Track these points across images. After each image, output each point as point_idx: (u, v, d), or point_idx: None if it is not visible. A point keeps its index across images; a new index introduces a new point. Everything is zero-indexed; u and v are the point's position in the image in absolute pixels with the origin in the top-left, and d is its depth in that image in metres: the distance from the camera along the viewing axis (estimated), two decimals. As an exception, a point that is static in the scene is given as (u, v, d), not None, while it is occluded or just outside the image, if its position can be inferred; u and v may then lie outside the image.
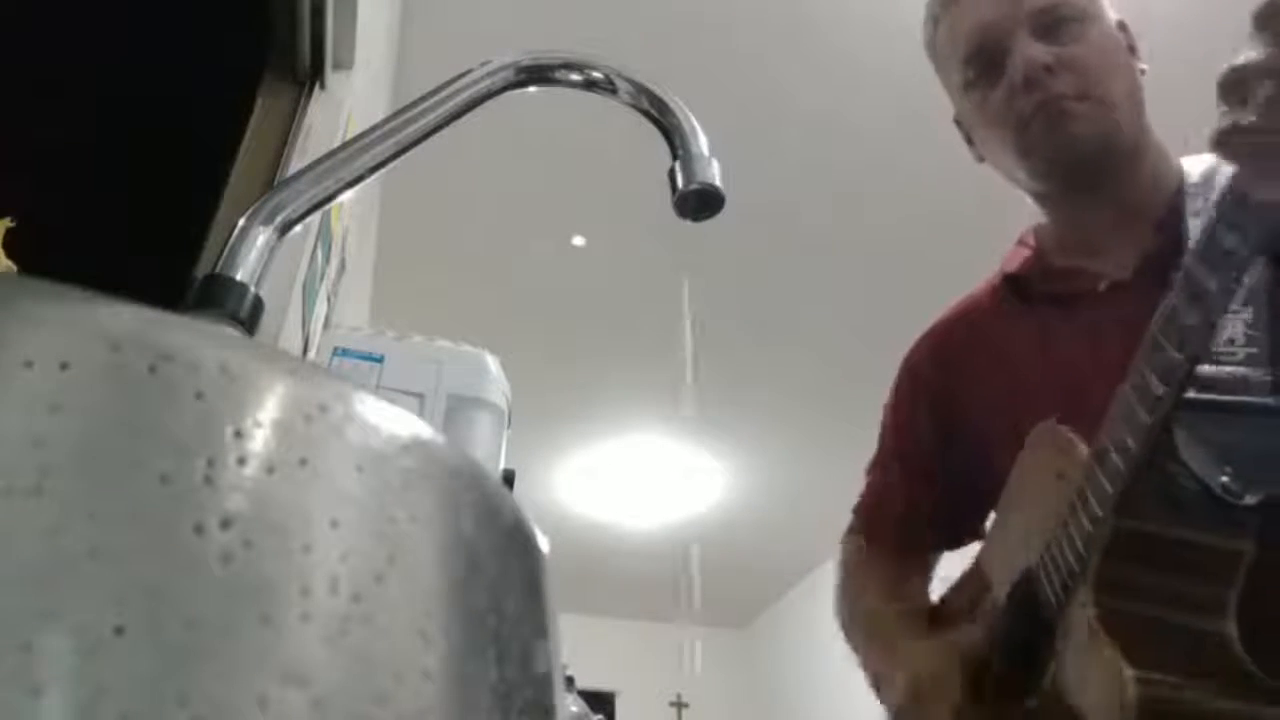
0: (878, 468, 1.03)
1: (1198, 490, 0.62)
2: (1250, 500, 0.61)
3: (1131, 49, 0.85)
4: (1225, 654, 0.60)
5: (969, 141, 0.93)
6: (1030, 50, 0.80)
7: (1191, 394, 0.61)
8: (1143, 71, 0.85)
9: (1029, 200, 0.90)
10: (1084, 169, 0.81)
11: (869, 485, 1.04)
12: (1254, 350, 0.66)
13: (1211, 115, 0.56)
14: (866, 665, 0.93)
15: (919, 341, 0.99)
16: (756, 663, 6.52)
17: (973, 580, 0.87)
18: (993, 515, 0.87)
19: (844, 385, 4.06)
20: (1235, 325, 0.67)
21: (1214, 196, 0.78)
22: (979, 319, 0.93)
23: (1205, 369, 0.64)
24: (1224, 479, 0.61)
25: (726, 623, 6.80)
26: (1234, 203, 0.55)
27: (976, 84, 0.85)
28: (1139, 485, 0.62)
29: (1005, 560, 0.80)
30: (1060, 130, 0.79)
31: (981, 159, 0.92)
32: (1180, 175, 0.82)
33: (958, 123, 0.94)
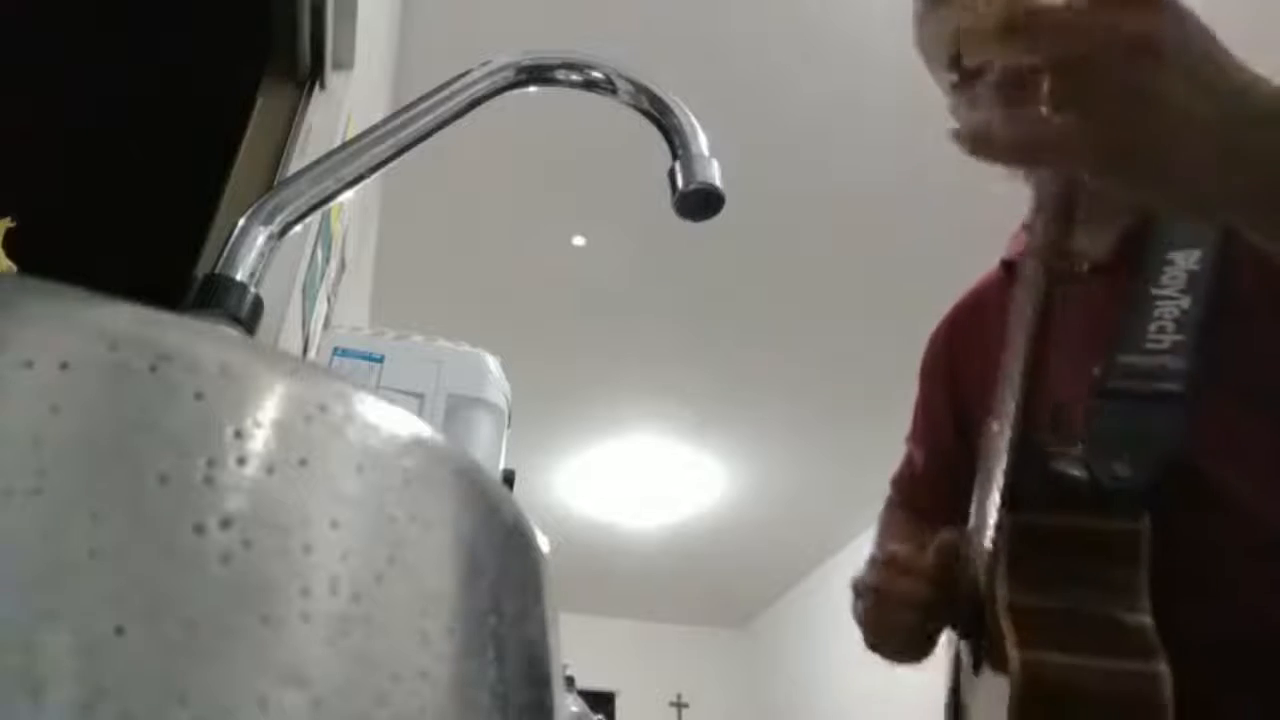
0: (911, 441, 1.07)
1: (1087, 479, 0.64)
2: (1141, 484, 0.62)
3: None
4: (1127, 632, 0.61)
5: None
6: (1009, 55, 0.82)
7: (1110, 383, 0.63)
8: None
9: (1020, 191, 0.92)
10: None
11: (905, 458, 1.07)
12: (1180, 338, 0.66)
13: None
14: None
15: (937, 329, 1.03)
16: (756, 663, 6.52)
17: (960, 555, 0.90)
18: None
19: (844, 386, 4.07)
20: (1169, 312, 0.67)
21: None
22: (984, 300, 0.96)
23: (1128, 358, 0.66)
24: (1117, 466, 0.63)
25: (726, 623, 6.81)
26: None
27: (962, 85, 0.87)
28: (1026, 478, 0.64)
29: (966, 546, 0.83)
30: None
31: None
32: None
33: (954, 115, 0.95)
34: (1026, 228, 0.94)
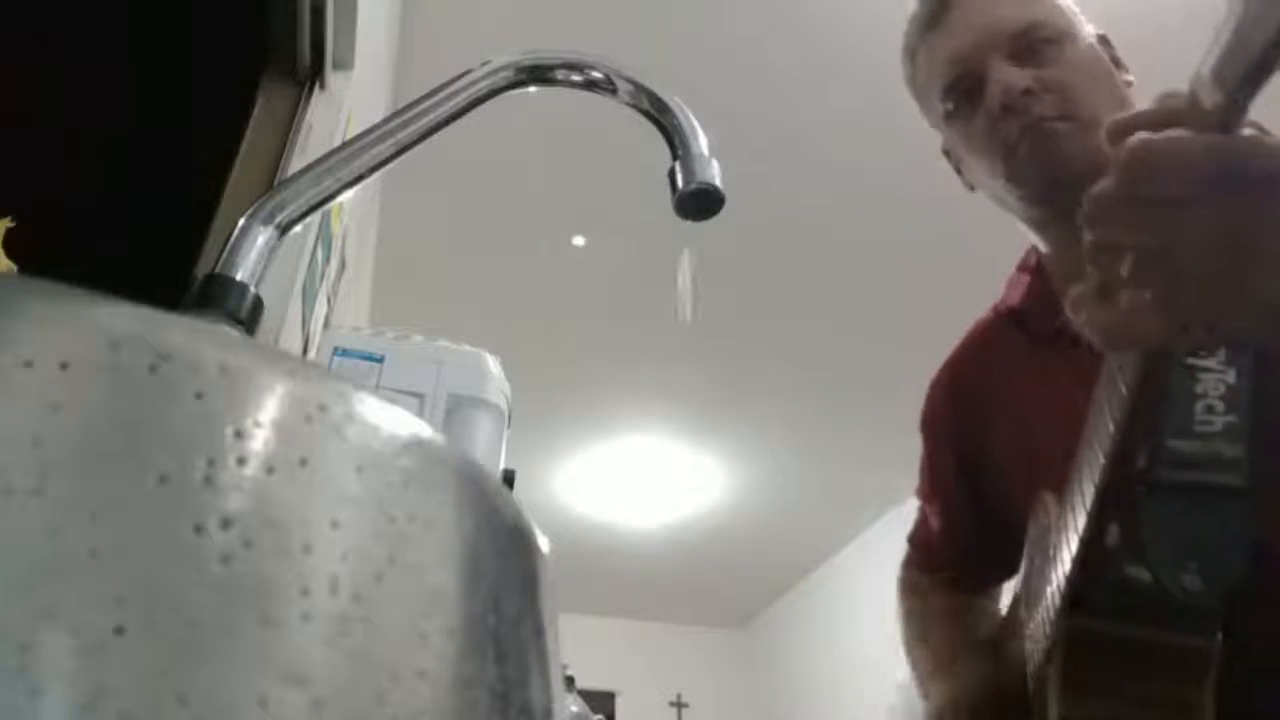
0: (923, 498, 1.01)
1: (1155, 587, 0.57)
2: (1213, 602, 0.56)
3: (1115, 61, 0.83)
4: None
5: (958, 171, 0.91)
6: (1007, 75, 0.78)
7: (1159, 472, 0.55)
8: (1129, 83, 0.83)
9: (1024, 229, 0.88)
10: (1075, 192, 0.80)
11: (919, 517, 1.02)
12: (1232, 419, 0.58)
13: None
14: (922, 684, 0.92)
15: (938, 374, 0.97)
16: (756, 663, 6.52)
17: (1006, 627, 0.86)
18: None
19: (844, 386, 4.07)
20: (1216, 388, 0.58)
21: None
22: (989, 354, 0.91)
23: (1178, 443, 0.57)
24: (1186, 578, 0.56)
25: (726, 622, 6.81)
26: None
27: (957, 115, 0.84)
28: (1091, 582, 0.58)
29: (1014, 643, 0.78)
30: (1047, 152, 0.77)
31: (972, 188, 0.90)
32: None
33: (946, 153, 0.92)
34: (1025, 267, 0.89)
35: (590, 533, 5.39)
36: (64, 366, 0.20)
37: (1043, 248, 0.87)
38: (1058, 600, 0.61)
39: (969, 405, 0.92)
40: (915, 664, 0.94)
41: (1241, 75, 0.38)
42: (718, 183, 0.51)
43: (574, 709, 1.30)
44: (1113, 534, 0.58)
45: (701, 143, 0.52)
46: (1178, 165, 0.42)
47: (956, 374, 0.95)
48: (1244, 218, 0.42)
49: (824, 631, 5.52)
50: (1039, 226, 0.85)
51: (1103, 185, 0.44)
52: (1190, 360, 0.57)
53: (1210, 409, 0.57)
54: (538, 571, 0.28)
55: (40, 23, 1.22)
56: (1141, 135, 0.43)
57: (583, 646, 4.07)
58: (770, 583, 6.16)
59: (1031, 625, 0.69)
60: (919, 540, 1.02)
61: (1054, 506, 0.69)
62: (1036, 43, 0.80)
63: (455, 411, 0.93)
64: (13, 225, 0.83)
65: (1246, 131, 0.43)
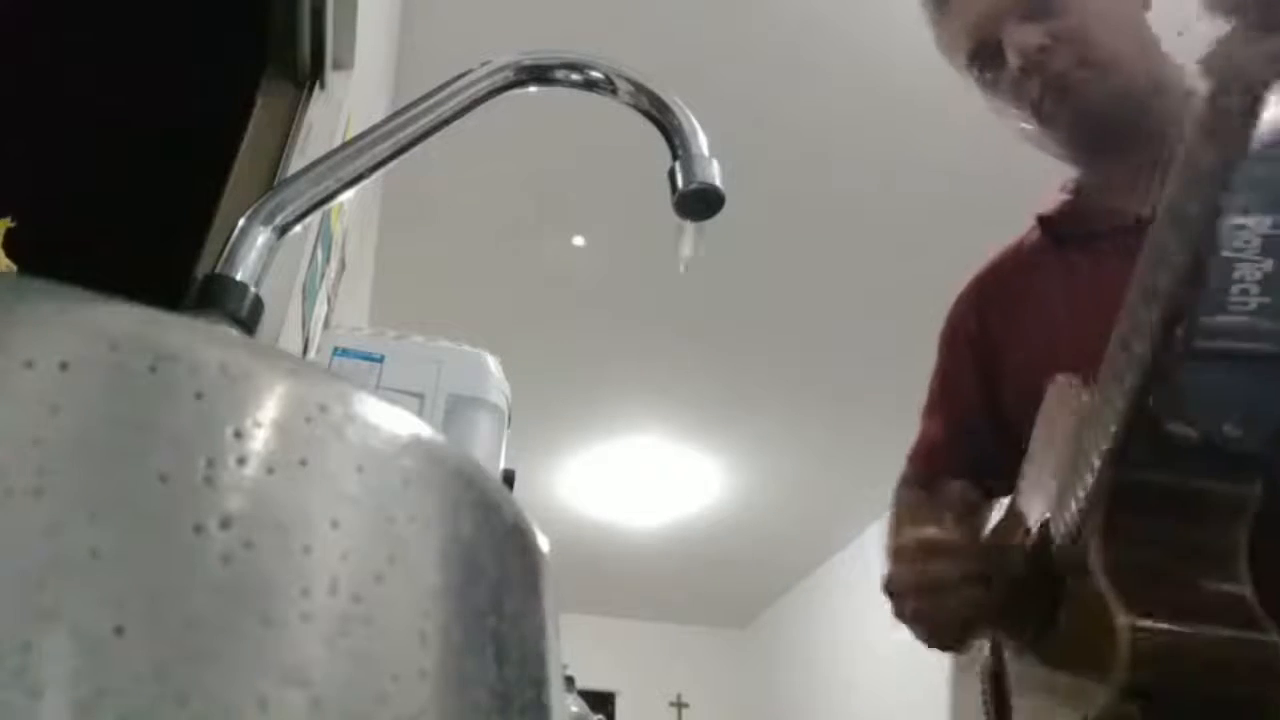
0: (928, 416, 1.03)
1: (1199, 439, 0.61)
2: (1254, 447, 0.60)
3: None
4: (1234, 600, 0.59)
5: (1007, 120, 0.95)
6: (1020, 35, 0.81)
7: (1199, 342, 0.60)
8: (1146, 4, 0.86)
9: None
10: (1106, 130, 0.83)
11: (921, 433, 1.04)
12: (1267, 300, 0.64)
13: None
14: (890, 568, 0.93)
15: (962, 293, 1.00)
16: (756, 663, 6.52)
17: (1005, 526, 0.87)
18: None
19: (844, 386, 4.07)
20: (1252, 274, 0.64)
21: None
22: (1015, 266, 0.94)
23: (1215, 318, 0.63)
24: (1227, 427, 0.61)
25: (726, 623, 6.80)
26: (1225, 48, 0.53)
27: (984, 80, 0.87)
28: (1136, 437, 0.61)
29: (1027, 511, 0.80)
30: (1070, 103, 0.81)
31: (1024, 137, 0.93)
32: None
33: (995, 113, 0.95)
34: (1064, 188, 0.93)
35: (590, 533, 5.39)
36: (64, 366, 0.20)
37: (1083, 178, 0.91)
38: (1097, 460, 0.63)
39: (993, 308, 0.95)
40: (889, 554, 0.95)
41: None
42: (718, 183, 0.51)
43: (574, 709, 1.30)
44: (1156, 397, 0.61)
45: (701, 143, 0.52)
46: None
47: (982, 282, 0.98)
48: None
49: (824, 631, 5.52)
50: (1075, 162, 0.90)
51: None
52: (1227, 253, 0.62)
53: (1245, 291, 0.63)
54: (538, 571, 0.28)
55: (40, 23, 1.22)
56: None
57: (583, 646, 4.07)
58: (770, 583, 6.16)
59: (1054, 493, 0.71)
60: (919, 455, 1.03)
61: (1077, 385, 0.72)
62: None
63: (455, 411, 0.94)
64: (13, 225, 0.83)
65: None
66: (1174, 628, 0.58)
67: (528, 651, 0.26)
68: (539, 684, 0.26)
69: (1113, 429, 0.62)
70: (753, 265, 3.43)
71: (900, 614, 0.80)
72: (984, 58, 0.86)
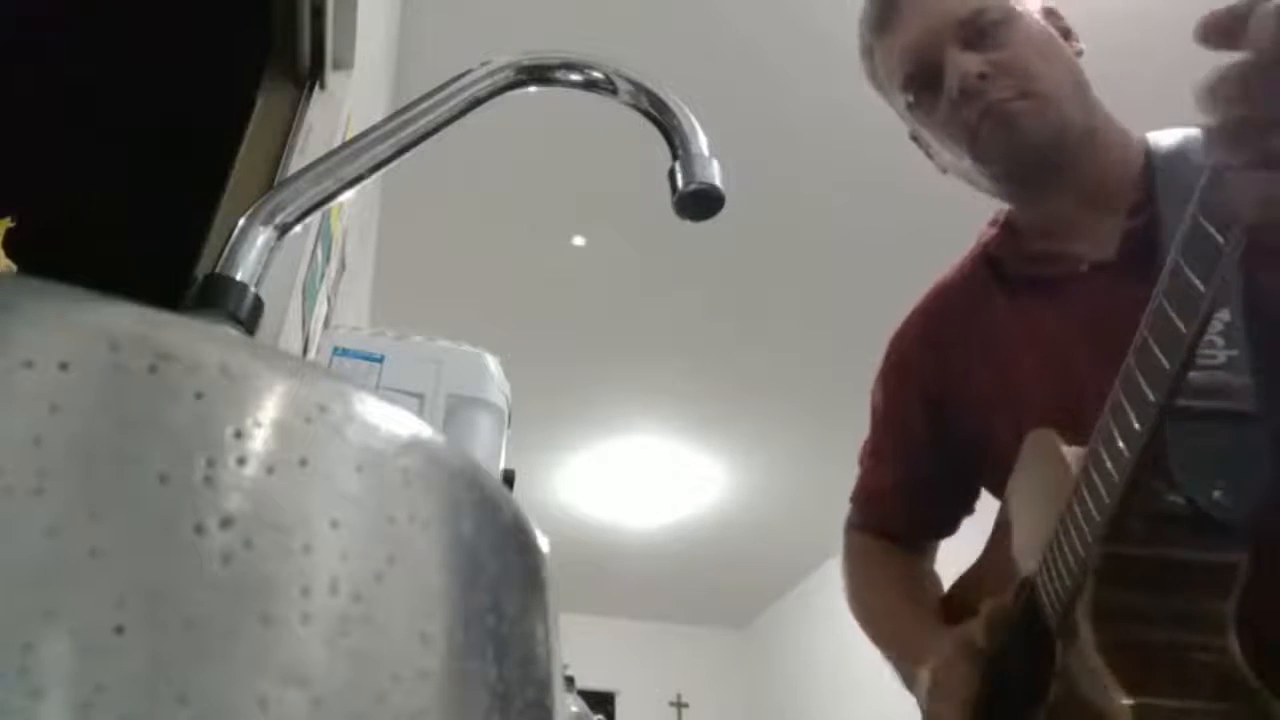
0: (871, 456, 1.02)
1: (1186, 507, 0.60)
2: (1242, 514, 0.59)
3: (1065, 32, 0.86)
4: (1228, 671, 0.59)
5: (929, 156, 0.94)
6: (961, 62, 0.81)
7: (1180, 401, 0.57)
8: (1079, 52, 0.85)
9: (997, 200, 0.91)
10: (1041, 165, 0.82)
11: (863, 473, 1.03)
12: (1233, 353, 0.62)
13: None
14: (893, 663, 0.92)
15: (904, 325, 0.99)
16: (756, 663, 6.52)
17: (980, 577, 0.86)
18: (996, 511, 0.86)
19: (844, 386, 4.06)
20: (1213, 325, 0.62)
21: (1190, 170, 0.78)
22: (961, 300, 0.92)
23: (1191, 375, 0.59)
24: (1216, 494, 0.59)
25: (726, 623, 6.80)
26: (1213, 182, 0.50)
27: (919, 105, 0.86)
28: (1131, 510, 0.59)
29: (1006, 569, 0.79)
30: (1008, 132, 0.80)
31: (945, 170, 0.93)
32: (1146, 150, 0.82)
33: (914, 139, 0.94)
34: (996, 222, 0.92)
35: (590, 533, 5.39)
36: (64, 366, 0.20)
37: (1019, 214, 0.90)
38: (1088, 532, 0.62)
39: (945, 347, 0.93)
40: (875, 636, 0.96)
41: None
42: (718, 182, 0.51)
43: (574, 709, 1.30)
44: (1149, 464, 0.59)
45: (701, 142, 0.52)
46: None
47: (929, 320, 0.96)
48: None
49: (824, 631, 5.52)
50: (1012, 199, 0.89)
51: (1246, 60, 0.44)
52: None
53: (1210, 344, 0.61)
54: (538, 571, 0.28)
55: (41, 23, 1.22)
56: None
57: (583, 646, 4.07)
58: (770, 583, 6.16)
59: (1038, 560, 0.70)
60: (867, 499, 1.02)
61: (1058, 443, 0.70)
62: (986, 26, 0.82)
63: (455, 411, 0.93)
64: (13, 225, 0.83)
65: None
66: (1173, 704, 0.57)
67: (528, 651, 0.26)
68: (539, 684, 0.26)
69: (1107, 502, 0.60)
70: (753, 265, 3.43)
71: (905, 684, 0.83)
72: (921, 82, 0.85)
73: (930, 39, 0.83)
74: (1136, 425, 0.56)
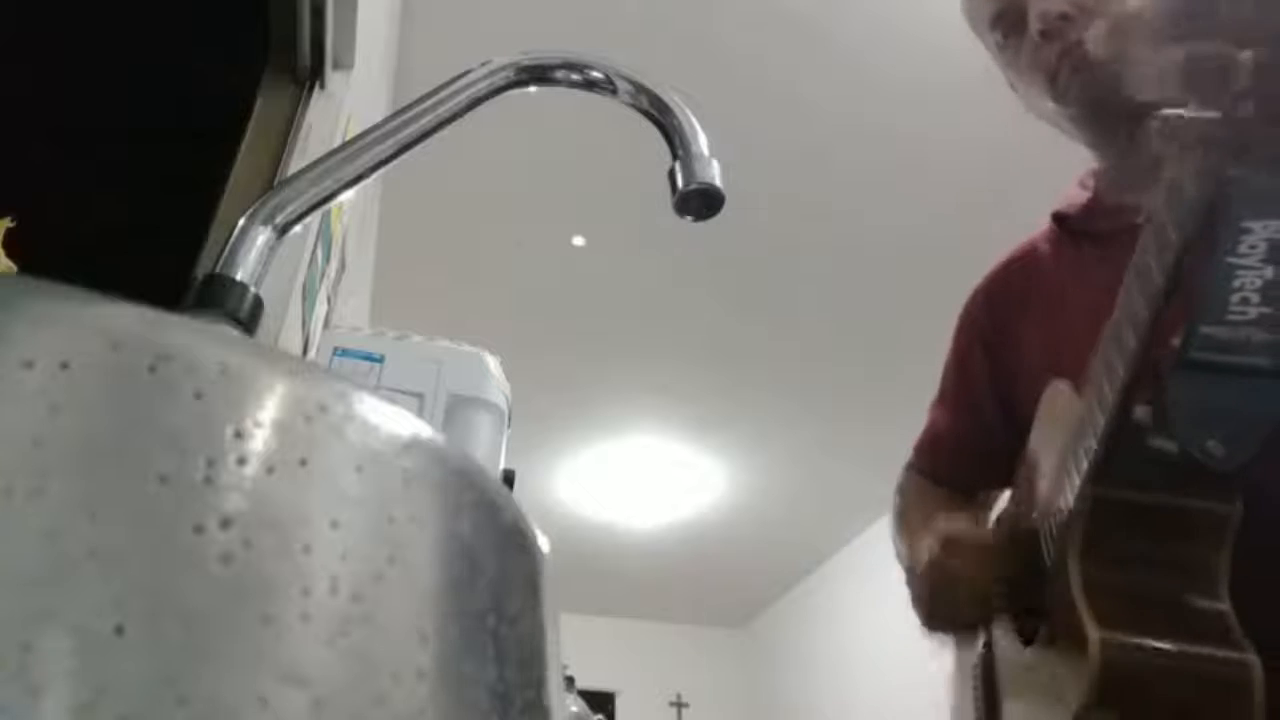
0: (938, 406, 1.04)
1: (1179, 455, 0.61)
2: (1236, 465, 0.60)
3: None
4: (1212, 619, 0.60)
5: (1019, 96, 0.95)
6: (1045, 2, 0.82)
7: (1190, 354, 0.58)
8: None
9: (1083, 149, 0.91)
10: (1116, 114, 0.82)
11: (929, 423, 1.05)
12: (1267, 310, 0.62)
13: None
14: (907, 552, 0.93)
15: (978, 287, 1.01)
16: (756, 663, 6.52)
17: (1001, 526, 0.88)
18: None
19: (845, 386, 4.07)
20: (1252, 282, 0.61)
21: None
22: (1030, 261, 0.94)
23: (1211, 329, 0.61)
24: (1209, 443, 0.60)
25: (726, 622, 6.80)
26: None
27: (1006, 44, 0.87)
28: (1116, 452, 0.61)
29: (1020, 515, 0.81)
30: (1084, 77, 0.81)
31: (1030, 110, 0.93)
32: None
33: (1011, 86, 0.95)
34: (1084, 184, 0.93)
35: (590, 533, 5.39)
36: (64, 366, 0.20)
37: (1095, 163, 0.91)
38: (1080, 472, 0.64)
39: (1006, 306, 0.95)
40: (902, 538, 0.97)
41: None
42: (718, 183, 0.51)
43: (574, 709, 1.30)
44: (1141, 409, 0.61)
45: (701, 142, 0.52)
46: None
47: (996, 278, 0.98)
48: None
49: (824, 631, 5.52)
50: (1090, 144, 0.90)
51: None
52: (1230, 259, 0.59)
53: (1245, 300, 0.61)
54: (538, 571, 0.28)
55: (41, 22, 1.22)
56: None
57: (583, 646, 4.07)
58: (770, 583, 6.16)
59: (1043, 499, 0.72)
60: (926, 445, 1.04)
61: (1070, 390, 0.72)
62: None
63: (455, 411, 0.94)
64: (13, 225, 0.83)
65: None
66: (1145, 643, 0.58)
67: (528, 651, 0.26)
68: (539, 684, 0.26)
69: (1093, 444, 0.62)
70: (753, 266, 3.43)
71: (913, 593, 0.82)
72: (1006, 23, 0.86)
73: None
74: (1121, 371, 0.59)
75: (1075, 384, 0.73)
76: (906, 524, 1.00)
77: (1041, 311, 0.91)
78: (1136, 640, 0.58)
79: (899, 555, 0.98)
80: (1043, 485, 0.74)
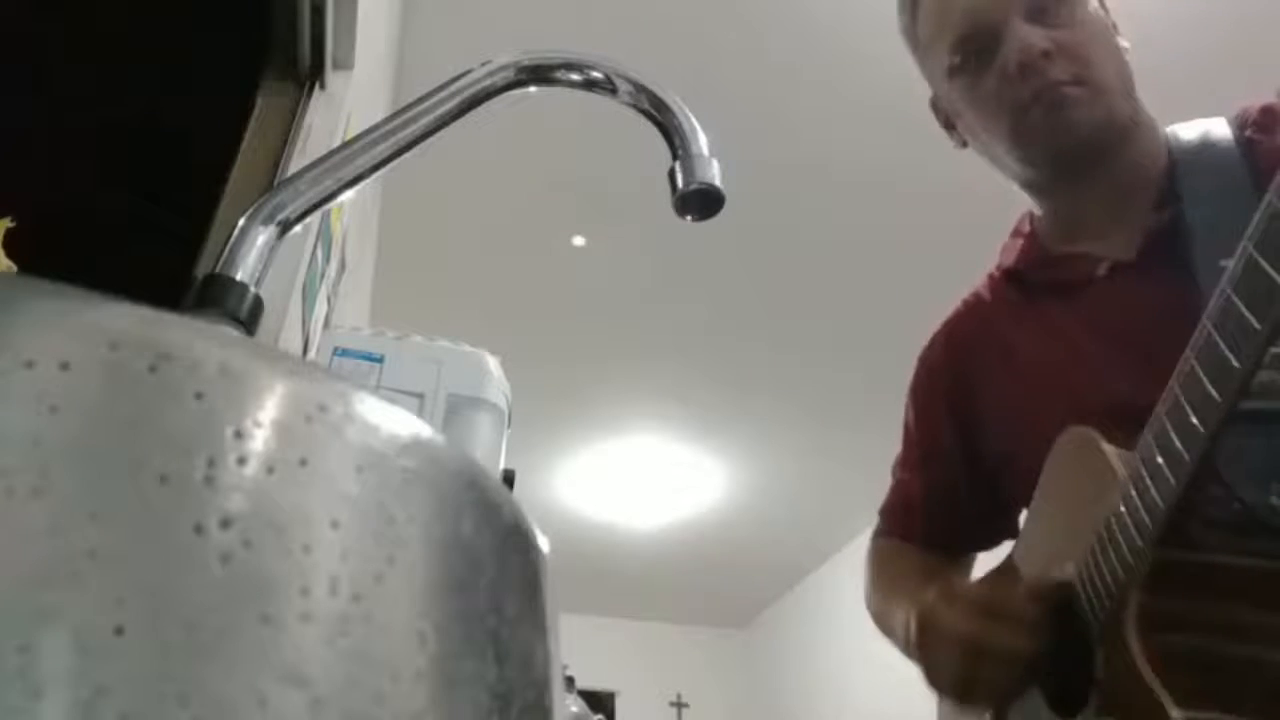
0: (902, 468, 1.00)
1: (1242, 512, 0.56)
2: None
3: (1114, 27, 0.84)
4: None
5: (948, 127, 0.91)
6: (1026, 35, 0.78)
7: (1250, 402, 0.53)
8: (1125, 49, 0.84)
9: (1017, 188, 0.89)
10: (1082, 156, 0.80)
11: (894, 486, 1.01)
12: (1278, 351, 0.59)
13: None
14: (888, 623, 0.89)
15: (932, 339, 0.98)
16: (756, 663, 6.52)
17: (1005, 578, 0.83)
18: (1024, 516, 0.84)
19: (844, 386, 4.07)
20: None
21: (1212, 165, 0.75)
22: (985, 313, 0.91)
23: (1273, 375, 0.55)
24: (1273, 499, 0.56)
25: (726, 622, 6.80)
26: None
27: (964, 69, 0.83)
28: (1180, 515, 0.56)
29: (1039, 569, 0.76)
30: (1060, 117, 0.78)
31: (964, 144, 0.90)
32: (1169, 146, 0.81)
33: (934, 107, 0.92)
34: (1020, 232, 0.91)
35: (590, 533, 5.39)
36: (64, 366, 0.20)
37: (1037, 210, 0.89)
38: (1133, 531, 0.59)
39: (966, 361, 0.92)
40: (890, 604, 0.91)
41: None
42: (718, 182, 0.51)
43: (574, 709, 1.30)
44: (1204, 464, 0.55)
45: (701, 142, 0.52)
46: None
47: (952, 335, 0.94)
48: None
49: (824, 631, 5.52)
50: (1035, 189, 0.87)
51: None
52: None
53: None
54: (538, 571, 0.28)
55: (40, 22, 1.22)
56: None
57: (583, 646, 4.07)
58: (770, 583, 6.16)
59: (1077, 560, 0.66)
60: (894, 509, 1.00)
61: (1099, 440, 0.67)
62: (1051, 2, 0.80)
63: (455, 411, 0.94)
64: (13, 225, 0.83)
65: None
66: (1225, 717, 0.54)
67: (527, 652, 0.26)
68: (539, 684, 0.26)
69: (1156, 500, 0.56)
70: (753, 266, 3.43)
71: (926, 662, 0.75)
72: (972, 48, 0.81)
73: (995, 3, 0.80)
74: (1199, 426, 0.52)
75: (1099, 432, 0.68)
76: (892, 591, 0.94)
77: (1006, 364, 0.87)
78: (1220, 717, 0.54)
79: (879, 621, 0.94)
80: (1066, 544, 0.69)
